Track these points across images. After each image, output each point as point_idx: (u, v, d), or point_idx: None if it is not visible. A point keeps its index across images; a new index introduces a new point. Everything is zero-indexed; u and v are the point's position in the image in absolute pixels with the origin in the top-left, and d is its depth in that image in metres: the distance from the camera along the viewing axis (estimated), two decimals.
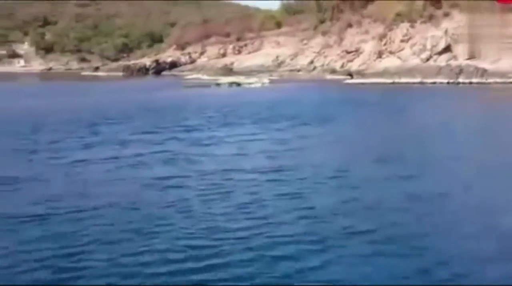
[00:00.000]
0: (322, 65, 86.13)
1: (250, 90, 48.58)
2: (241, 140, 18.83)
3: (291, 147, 17.21)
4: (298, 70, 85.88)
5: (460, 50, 76.96)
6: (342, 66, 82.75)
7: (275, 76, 71.56)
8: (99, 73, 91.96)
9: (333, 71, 78.77)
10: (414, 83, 52.88)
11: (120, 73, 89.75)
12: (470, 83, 51.44)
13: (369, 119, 23.55)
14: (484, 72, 52.81)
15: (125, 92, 46.19)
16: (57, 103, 34.49)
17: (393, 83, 53.70)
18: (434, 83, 52.13)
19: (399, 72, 56.33)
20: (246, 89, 50.64)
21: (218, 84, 55.41)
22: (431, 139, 19.07)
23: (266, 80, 58.25)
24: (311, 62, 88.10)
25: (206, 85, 55.92)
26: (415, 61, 75.73)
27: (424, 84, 52.32)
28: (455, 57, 77.13)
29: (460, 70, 52.54)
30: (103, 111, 28.58)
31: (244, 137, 19.49)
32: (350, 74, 67.89)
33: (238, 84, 55.60)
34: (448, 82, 51.53)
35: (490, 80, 51.31)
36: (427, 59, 77.15)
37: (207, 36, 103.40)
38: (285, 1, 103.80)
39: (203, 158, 16.29)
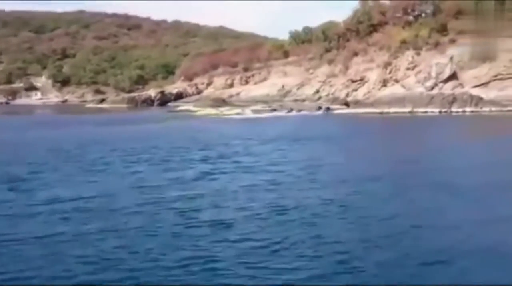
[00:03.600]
0: (328, 94, 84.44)
1: (223, 122, 46.96)
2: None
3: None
4: (303, 100, 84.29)
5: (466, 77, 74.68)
6: (347, 95, 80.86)
7: (275, 106, 70.17)
8: (103, 105, 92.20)
9: (335, 100, 76.91)
10: (404, 113, 50.46)
11: (125, 105, 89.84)
12: (464, 112, 48.74)
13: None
14: (479, 100, 50.15)
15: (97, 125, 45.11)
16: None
17: (381, 113, 51.41)
18: (425, 112, 49.62)
19: (390, 101, 54.04)
20: (221, 120, 49.08)
21: (198, 115, 54.27)
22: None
23: (249, 111, 56.82)
24: (317, 91, 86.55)
25: (188, 117, 54.68)
26: (419, 89, 73.44)
27: (414, 114, 49.87)
28: (461, 85, 74.69)
29: (454, 99, 49.99)
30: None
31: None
32: (347, 104, 65.96)
33: (218, 115, 54.31)
34: (440, 112, 48.97)
35: (486, 108, 48.53)
36: (432, 88, 74.72)
37: (215, 67, 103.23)
38: (293, 30, 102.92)
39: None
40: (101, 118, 60.78)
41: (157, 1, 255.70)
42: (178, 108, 71.46)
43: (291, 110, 59.45)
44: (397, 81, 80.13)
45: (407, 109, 50.24)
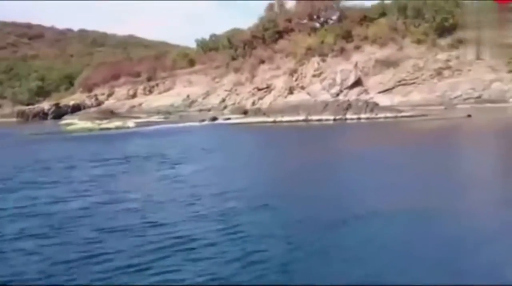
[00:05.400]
0: (234, 103, 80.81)
1: (85, 138, 41.18)
2: None
3: None
4: (209, 110, 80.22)
5: (371, 83, 73.20)
6: (253, 103, 77.66)
7: (172, 118, 65.37)
8: None
9: (240, 109, 73.01)
10: (298, 121, 46.90)
11: (14, 120, 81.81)
12: (359, 119, 45.78)
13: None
14: (374, 106, 47.54)
15: None
16: None
17: (274, 122, 47.64)
18: (320, 120, 46.29)
19: (284, 110, 50.51)
20: (89, 136, 43.26)
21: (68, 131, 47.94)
22: None
23: (131, 124, 51.37)
24: (223, 100, 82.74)
25: (58, 132, 48.09)
26: (325, 96, 71.21)
27: (308, 122, 46.38)
28: (366, 91, 73.03)
29: (348, 106, 47.07)
30: None
31: None
32: (246, 112, 62.18)
33: (93, 129, 48.15)
34: (334, 119, 45.79)
35: (381, 115, 45.87)
36: (338, 94, 72.76)
37: (116, 77, 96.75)
38: (199, 38, 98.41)
39: None
40: None
41: (62, 10, 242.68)
42: (62, 122, 64.71)
43: (179, 121, 54.62)
44: (303, 88, 77.76)
45: (301, 118, 46.71)
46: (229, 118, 54.95)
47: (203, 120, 54.09)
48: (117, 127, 48.71)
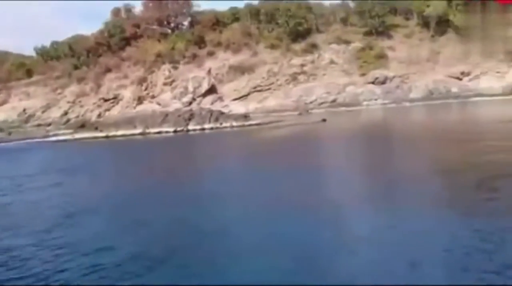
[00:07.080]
0: (78, 116, 72.29)
1: None
2: None
3: None
4: (49, 124, 71.07)
5: (226, 90, 69.33)
6: (99, 115, 70.05)
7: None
8: None
9: (84, 122, 64.80)
10: (134, 135, 40.75)
11: None
12: (203, 129, 40.80)
13: None
14: (220, 115, 42.93)
15: None
16: None
17: (107, 137, 41.04)
18: (160, 132, 40.62)
19: (118, 122, 44.08)
20: None
21: None
22: None
23: None
24: (65, 113, 73.84)
25: None
26: (176, 105, 65.88)
27: (146, 135, 40.46)
28: (221, 99, 68.97)
29: (191, 116, 41.93)
30: None
31: None
32: (83, 126, 54.45)
33: None
34: (175, 131, 40.40)
35: (226, 124, 41.29)
36: (190, 103, 67.89)
37: None
38: (38, 46, 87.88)
39: None
40: None
41: None
42: None
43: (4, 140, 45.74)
44: (153, 97, 71.83)
45: (138, 131, 40.71)
46: (56, 135, 47.05)
47: (25, 139, 45.67)
48: None
